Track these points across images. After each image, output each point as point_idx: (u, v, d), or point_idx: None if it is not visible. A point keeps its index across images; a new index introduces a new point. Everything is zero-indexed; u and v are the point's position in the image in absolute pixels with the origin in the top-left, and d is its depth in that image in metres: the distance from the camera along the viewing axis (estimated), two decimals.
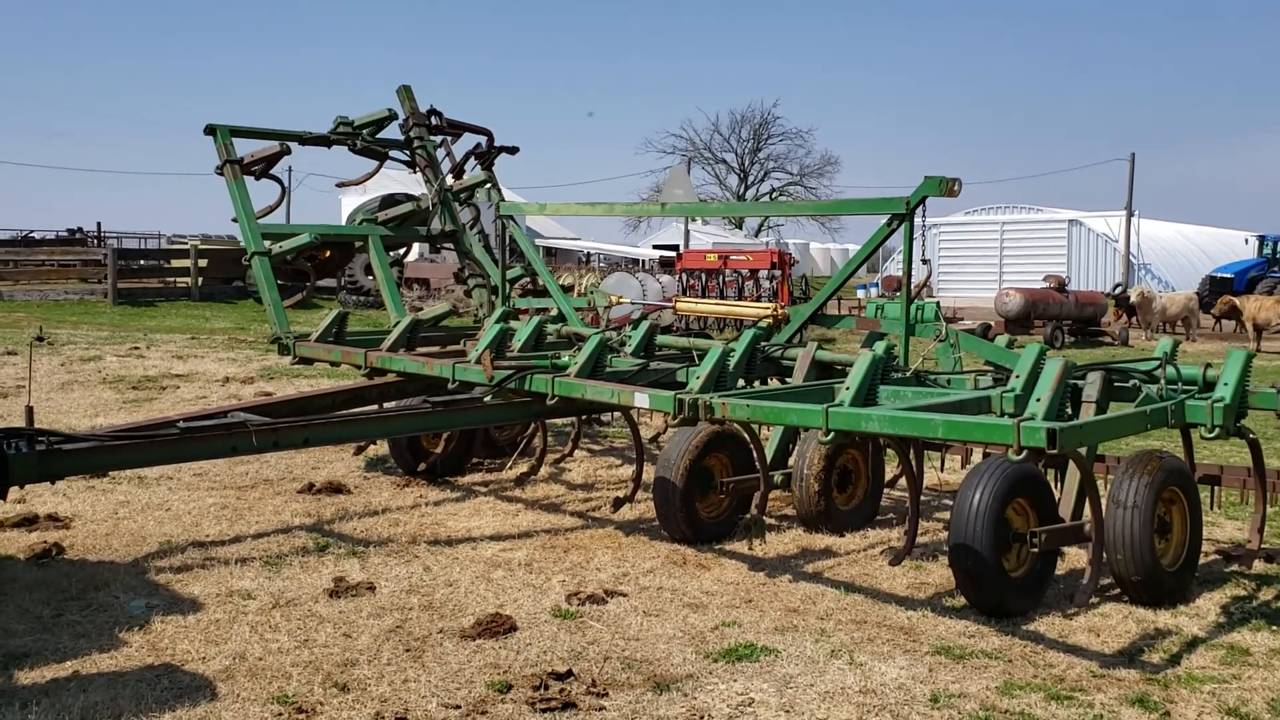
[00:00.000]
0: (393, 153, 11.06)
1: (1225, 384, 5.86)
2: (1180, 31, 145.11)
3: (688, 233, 37.30)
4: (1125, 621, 5.59)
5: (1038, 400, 5.38)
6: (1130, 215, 42.74)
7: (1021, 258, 43.74)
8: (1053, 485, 6.31)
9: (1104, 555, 5.60)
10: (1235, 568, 6.43)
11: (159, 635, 5.14)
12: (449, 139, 11.71)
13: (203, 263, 31.88)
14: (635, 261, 44.66)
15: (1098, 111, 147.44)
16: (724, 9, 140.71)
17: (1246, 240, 40.90)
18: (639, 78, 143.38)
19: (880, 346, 6.16)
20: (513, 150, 11.88)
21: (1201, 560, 6.24)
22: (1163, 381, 6.02)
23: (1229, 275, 37.04)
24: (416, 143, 11.10)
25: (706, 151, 73.16)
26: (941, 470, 8.75)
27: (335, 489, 8.29)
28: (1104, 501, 5.71)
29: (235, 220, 9.88)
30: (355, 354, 8.62)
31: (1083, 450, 5.74)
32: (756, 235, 63.91)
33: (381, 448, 9.37)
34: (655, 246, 55.92)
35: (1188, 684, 4.81)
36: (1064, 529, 5.77)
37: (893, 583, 6.23)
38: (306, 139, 10.25)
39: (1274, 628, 5.54)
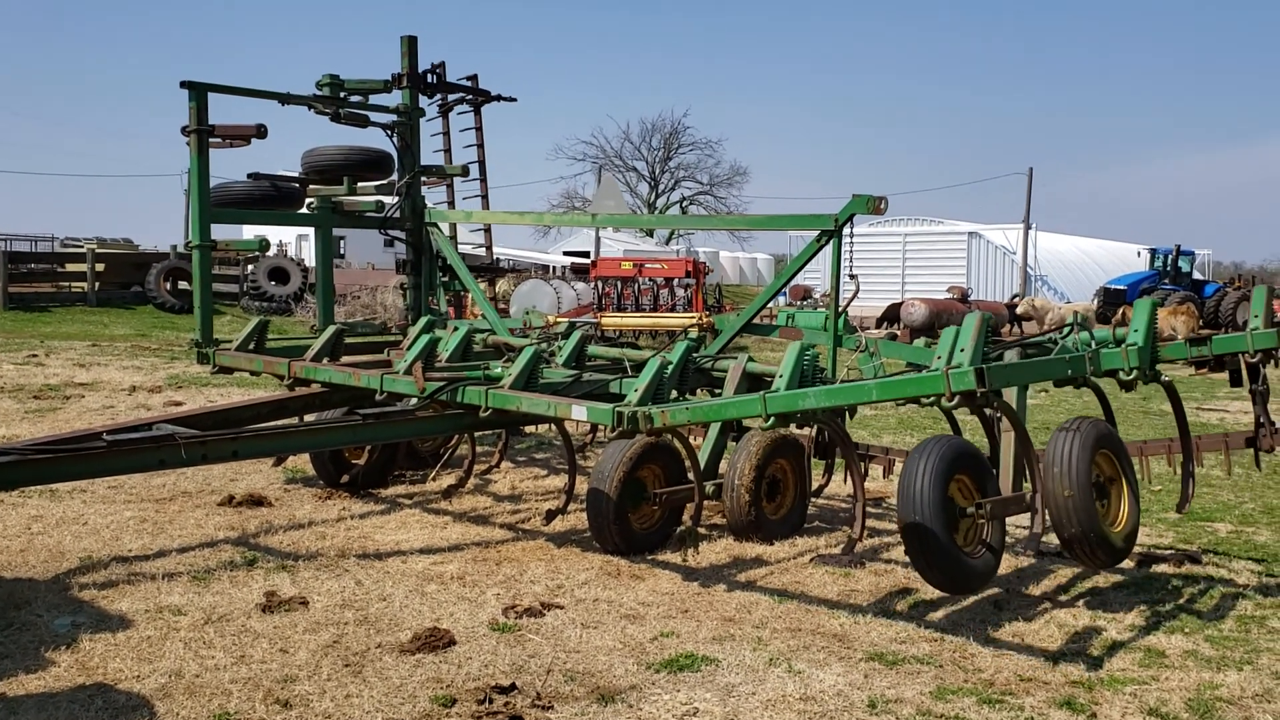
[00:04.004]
0: (374, 118, 10.32)
1: (1136, 330, 6.26)
2: (1077, 50, 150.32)
3: (599, 240, 37.33)
4: (1048, 626, 5.79)
5: (961, 350, 5.46)
6: (1028, 228, 44.03)
7: (923, 269, 44.83)
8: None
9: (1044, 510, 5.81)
10: (1162, 568, 6.72)
11: (88, 654, 5.00)
12: (444, 98, 11.40)
13: (99, 267, 30.86)
14: (546, 268, 44.50)
15: (997, 126, 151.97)
16: (633, 13, 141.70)
17: (1139, 253, 42.42)
18: (551, 80, 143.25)
19: (801, 342, 6.25)
20: (511, 99, 11.72)
21: (1122, 564, 6.47)
22: (1076, 338, 6.36)
23: (1122, 287, 38.34)
24: (402, 119, 10.44)
25: (617, 159, 73.45)
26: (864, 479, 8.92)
27: (257, 501, 8.15)
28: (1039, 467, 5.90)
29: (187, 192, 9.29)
30: (278, 363, 8.45)
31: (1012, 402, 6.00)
32: (667, 243, 64.23)
33: (300, 459, 9.22)
34: (566, 253, 55.84)
35: (1110, 686, 5.01)
36: (1006, 499, 6.02)
37: (824, 590, 6.35)
38: (289, 99, 9.83)
39: (1187, 630, 5.80)
